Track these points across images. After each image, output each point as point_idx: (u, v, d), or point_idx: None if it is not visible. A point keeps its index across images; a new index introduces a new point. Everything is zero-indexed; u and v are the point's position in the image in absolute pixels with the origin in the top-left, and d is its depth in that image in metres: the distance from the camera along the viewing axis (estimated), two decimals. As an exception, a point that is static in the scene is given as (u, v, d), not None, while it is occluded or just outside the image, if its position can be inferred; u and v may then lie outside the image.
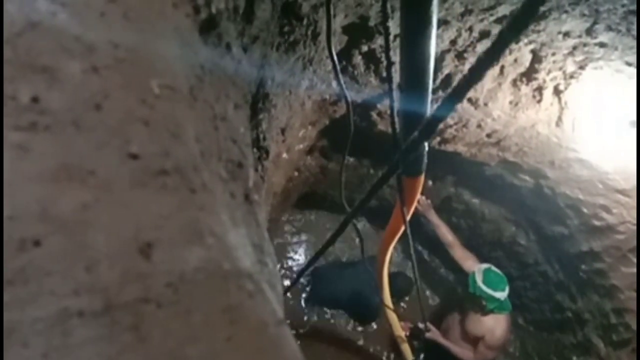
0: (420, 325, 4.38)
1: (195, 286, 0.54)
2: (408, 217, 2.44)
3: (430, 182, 4.82)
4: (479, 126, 3.64)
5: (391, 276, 5.02)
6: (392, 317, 4.52)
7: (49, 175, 0.49)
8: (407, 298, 5.40)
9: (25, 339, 0.43)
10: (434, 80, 3.13)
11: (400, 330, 4.54)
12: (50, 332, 0.45)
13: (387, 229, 3.31)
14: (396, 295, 5.07)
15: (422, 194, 4.63)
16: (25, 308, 0.44)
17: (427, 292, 5.63)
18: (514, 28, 0.80)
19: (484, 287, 3.95)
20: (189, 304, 0.53)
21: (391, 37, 1.42)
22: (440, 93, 3.31)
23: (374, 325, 5.33)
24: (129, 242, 0.51)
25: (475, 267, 4.15)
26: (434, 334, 4.37)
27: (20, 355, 0.43)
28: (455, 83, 1.34)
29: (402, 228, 2.94)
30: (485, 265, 4.13)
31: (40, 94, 0.52)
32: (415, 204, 2.58)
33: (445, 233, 4.52)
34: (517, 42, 2.98)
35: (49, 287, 0.46)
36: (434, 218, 4.57)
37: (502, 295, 3.98)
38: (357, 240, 4.74)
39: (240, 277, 0.61)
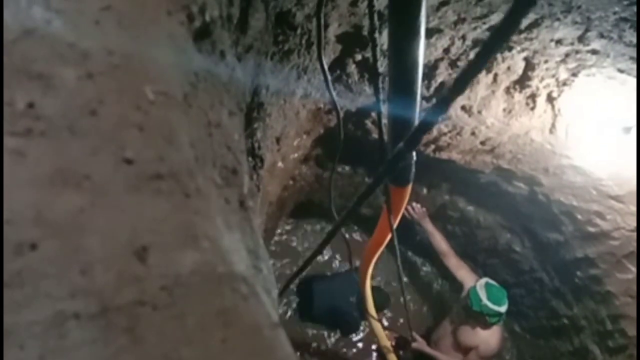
0: (408, 335, 4.37)
1: (190, 289, 0.55)
2: (394, 227, 2.44)
3: (425, 190, 4.83)
4: (473, 134, 3.65)
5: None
6: (377, 327, 4.50)
7: (45, 180, 0.50)
8: (385, 311, 5.38)
9: (21, 341, 0.44)
10: (428, 88, 3.15)
11: (386, 340, 4.52)
12: (47, 334, 0.45)
13: (372, 239, 3.31)
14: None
15: (417, 202, 4.65)
16: (22, 311, 0.45)
17: (419, 302, 5.61)
18: (498, 38, 0.81)
19: (490, 305, 3.91)
20: (184, 306, 0.53)
21: (384, 47, 1.43)
22: (434, 101, 3.33)
23: (360, 335, 5.32)
24: (124, 246, 0.52)
25: (475, 283, 4.08)
26: (420, 344, 4.35)
27: (17, 357, 0.43)
28: (441, 93, 1.35)
29: (387, 238, 2.94)
30: (484, 280, 4.09)
31: (35, 100, 0.52)
32: (401, 214, 2.58)
33: (440, 241, 4.51)
34: (509, 50, 3.00)
35: (45, 290, 0.46)
36: (428, 226, 4.57)
37: (505, 308, 3.97)
38: (347, 248, 4.79)
39: (235, 280, 0.62)
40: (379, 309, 5.11)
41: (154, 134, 0.60)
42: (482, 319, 4.01)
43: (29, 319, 0.45)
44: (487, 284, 4.03)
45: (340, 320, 5.14)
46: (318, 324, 5.29)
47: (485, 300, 3.93)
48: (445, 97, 1.01)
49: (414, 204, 4.63)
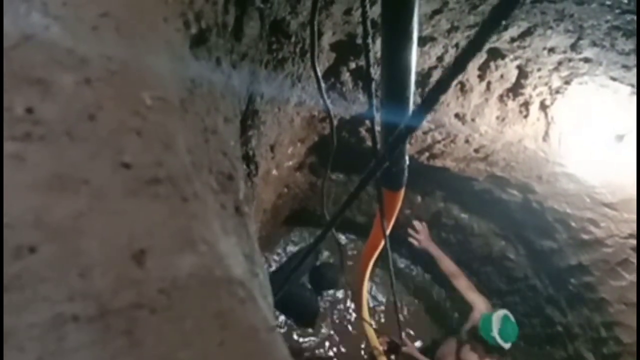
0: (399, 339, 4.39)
1: (188, 292, 0.55)
2: (388, 231, 2.44)
3: (419, 198, 4.84)
4: (466, 141, 3.66)
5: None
6: (369, 329, 4.52)
7: (44, 184, 0.50)
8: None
9: (21, 343, 0.44)
10: (422, 95, 3.16)
11: (376, 342, 4.54)
12: (46, 337, 0.45)
13: (367, 244, 3.32)
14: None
15: (412, 210, 4.65)
16: (21, 313, 0.45)
17: (417, 309, 5.63)
18: (493, 22, 0.82)
19: (498, 339, 3.86)
20: (182, 309, 0.54)
21: (378, 55, 1.45)
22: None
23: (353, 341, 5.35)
24: (122, 249, 0.52)
25: (494, 311, 4.05)
26: (409, 347, 4.36)
27: (16, 359, 0.43)
28: (429, 87, 1.38)
29: (382, 243, 2.95)
30: (503, 312, 4.01)
31: (34, 105, 0.53)
32: (394, 217, 2.59)
33: (449, 265, 4.46)
34: (502, 58, 3.01)
35: (44, 293, 0.47)
36: (435, 251, 4.53)
37: (509, 345, 3.93)
38: (339, 251, 4.85)
39: (232, 284, 0.62)
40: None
41: (152, 139, 0.60)
42: (485, 345, 3.99)
43: (28, 321, 0.45)
44: (505, 317, 3.97)
45: (297, 305, 5.14)
46: (282, 313, 5.29)
47: (495, 332, 3.88)
48: (441, 81, 1.02)
49: (416, 224, 4.61)
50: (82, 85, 0.56)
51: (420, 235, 4.57)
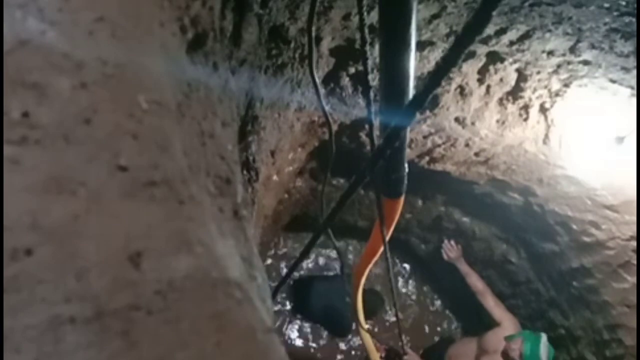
0: (400, 348, 4.35)
1: (184, 293, 0.55)
2: (387, 238, 2.44)
3: (420, 202, 4.84)
4: (467, 145, 3.66)
5: (364, 292, 5.14)
6: (367, 339, 4.48)
7: (40, 187, 0.50)
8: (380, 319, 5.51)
9: (17, 345, 0.44)
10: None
11: (375, 353, 4.49)
12: (42, 338, 0.46)
13: (365, 251, 3.32)
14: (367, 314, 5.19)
15: (412, 213, 4.65)
16: (18, 315, 0.45)
17: (420, 318, 5.64)
18: (470, 32, 0.83)
19: None
20: (178, 310, 0.54)
21: (377, 61, 1.45)
22: (428, 113, 3.34)
23: (351, 350, 5.37)
24: (119, 251, 0.52)
25: (540, 338, 3.89)
26: (411, 356, 4.32)
27: (13, 360, 0.44)
28: (415, 90, 1.39)
29: (380, 250, 2.95)
30: (546, 337, 3.91)
31: (30, 109, 0.53)
32: (393, 225, 2.58)
33: (476, 281, 4.47)
34: (502, 62, 3.01)
35: (40, 294, 0.47)
36: (464, 267, 4.57)
37: None
38: (338, 255, 4.89)
39: (229, 285, 0.62)
40: (372, 312, 5.16)
41: (148, 142, 0.60)
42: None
43: (25, 323, 0.45)
44: (549, 340, 3.90)
45: (332, 319, 5.24)
46: (311, 320, 5.41)
47: (543, 357, 3.80)
48: (420, 93, 1.03)
49: (452, 242, 4.66)
50: (78, 89, 0.56)
51: (453, 253, 4.60)
